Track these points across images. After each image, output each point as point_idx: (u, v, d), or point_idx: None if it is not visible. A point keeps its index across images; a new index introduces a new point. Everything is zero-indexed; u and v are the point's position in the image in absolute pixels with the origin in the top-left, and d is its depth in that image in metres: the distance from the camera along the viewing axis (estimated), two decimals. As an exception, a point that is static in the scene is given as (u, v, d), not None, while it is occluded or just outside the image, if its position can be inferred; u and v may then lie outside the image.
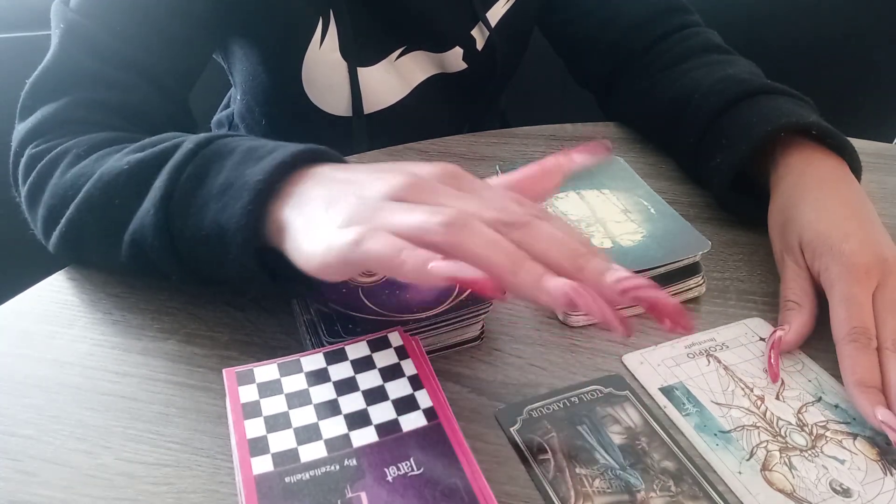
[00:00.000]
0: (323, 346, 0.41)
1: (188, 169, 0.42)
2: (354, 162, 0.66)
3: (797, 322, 0.46)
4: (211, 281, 0.45)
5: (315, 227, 0.37)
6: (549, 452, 0.38)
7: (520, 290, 0.33)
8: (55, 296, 0.49)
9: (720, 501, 0.36)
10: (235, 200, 0.39)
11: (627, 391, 0.42)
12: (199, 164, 0.42)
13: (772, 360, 0.44)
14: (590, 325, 0.48)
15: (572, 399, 0.42)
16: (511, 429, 0.40)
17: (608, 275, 0.34)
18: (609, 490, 0.36)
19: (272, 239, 0.41)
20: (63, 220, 0.47)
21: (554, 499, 0.36)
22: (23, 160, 0.51)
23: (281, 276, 0.41)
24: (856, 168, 0.54)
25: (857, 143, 0.56)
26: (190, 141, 0.43)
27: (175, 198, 0.42)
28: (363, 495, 0.32)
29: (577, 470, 0.37)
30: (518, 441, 0.39)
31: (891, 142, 0.82)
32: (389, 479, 0.33)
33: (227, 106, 0.89)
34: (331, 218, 0.37)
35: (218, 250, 0.40)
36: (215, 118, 0.90)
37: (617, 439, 0.39)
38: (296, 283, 0.40)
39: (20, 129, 0.53)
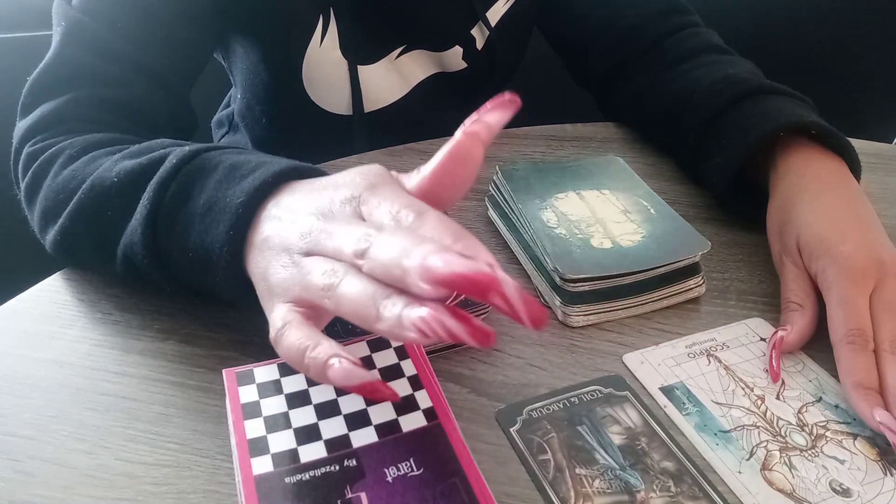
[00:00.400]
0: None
1: (172, 186, 0.42)
2: (354, 163, 0.66)
3: (799, 323, 0.46)
4: (203, 295, 0.45)
5: (267, 295, 0.36)
6: (549, 453, 0.38)
7: (385, 332, 0.31)
8: (55, 296, 0.49)
9: (720, 502, 0.36)
10: (218, 223, 0.39)
11: (627, 391, 0.42)
12: (183, 180, 0.42)
13: (773, 361, 0.44)
14: (590, 325, 0.48)
15: (572, 399, 0.42)
16: (511, 429, 0.39)
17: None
18: (609, 490, 0.36)
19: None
20: (56, 228, 0.47)
21: (554, 499, 0.36)
22: (21, 158, 0.51)
23: None
24: (855, 168, 0.54)
25: (857, 143, 0.56)
26: (174, 155, 0.43)
27: (160, 216, 0.41)
28: (363, 495, 0.32)
29: (577, 470, 0.37)
30: (518, 441, 0.39)
31: (891, 142, 0.82)
32: (389, 479, 0.33)
33: (228, 105, 0.89)
34: (272, 290, 0.36)
35: (204, 272, 0.40)
36: (215, 117, 0.90)
37: (617, 440, 0.39)
38: None
39: (20, 126, 0.53)
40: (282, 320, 0.33)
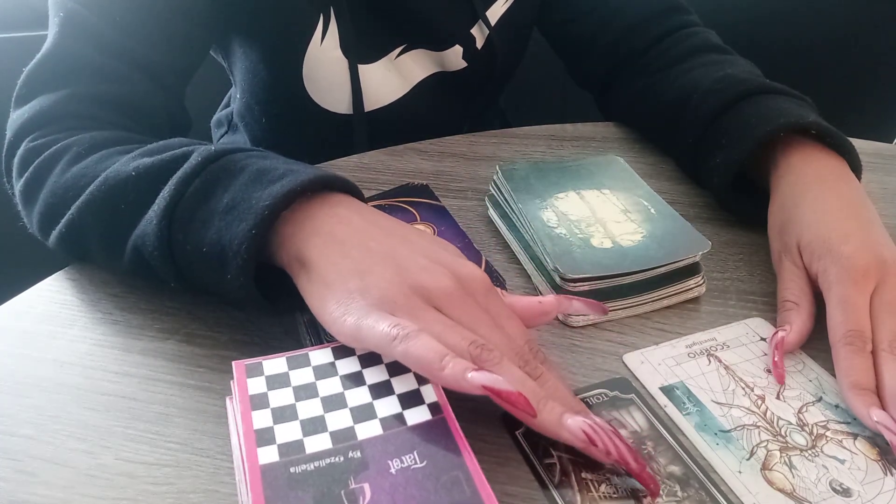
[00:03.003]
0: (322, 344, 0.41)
1: (195, 183, 0.42)
2: (354, 163, 0.66)
3: (797, 322, 0.46)
4: (208, 293, 0.45)
5: (345, 292, 0.38)
6: (555, 456, 0.38)
7: (542, 424, 0.36)
8: (55, 296, 0.49)
9: None
10: (239, 222, 0.39)
11: (633, 394, 0.42)
12: (207, 179, 0.42)
13: (776, 361, 0.44)
14: (590, 325, 0.48)
15: (574, 399, 0.42)
16: (517, 432, 0.39)
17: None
18: (615, 495, 0.36)
19: (278, 261, 0.41)
20: (63, 221, 0.47)
21: (560, 502, 0.36)
22: (19, 152, 0.50)
23: (277, 297, 0.42)
24: (856, 167, 0.54)
25: (857, 143, 0.56)
26: (198, 154, 0.43)
27: (179, 208, 0.42)
28: (366, 486, 0.32)
29: (583, 474, 0.37)
30: (524, 444, 0.39)
31: (891, 142, 0.82)
32: (392, 471, 0.33)
33: (227, 105, 0.89)
34: (365, 286, 0.38)
35: (216, 268, 0.40)
36: (215, 117, 0.90)
37: (619, 440, 0.39)
38: (291, 299, 0.41)
39: (16, 116, 0.52)
40: (406, 336, 0.35)
